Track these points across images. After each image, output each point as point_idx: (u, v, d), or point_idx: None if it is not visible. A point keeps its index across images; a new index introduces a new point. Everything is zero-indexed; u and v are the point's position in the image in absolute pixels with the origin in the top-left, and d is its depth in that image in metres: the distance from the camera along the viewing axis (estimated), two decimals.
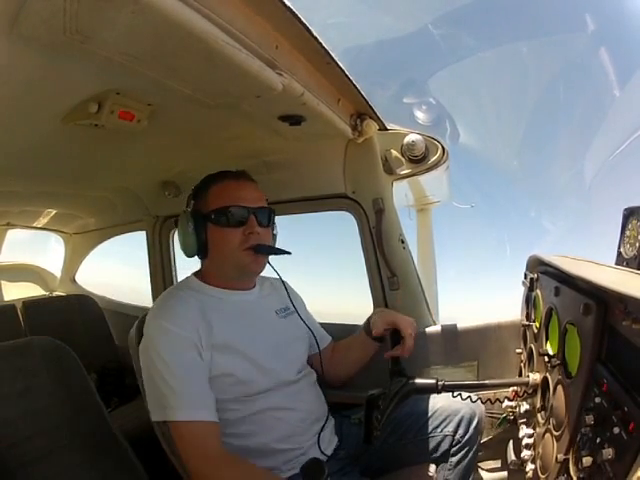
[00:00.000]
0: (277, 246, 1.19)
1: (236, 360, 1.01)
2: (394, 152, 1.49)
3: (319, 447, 1.06)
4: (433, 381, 1.00)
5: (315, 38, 0.84)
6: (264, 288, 1.23)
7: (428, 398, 1.20)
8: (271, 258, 1.16)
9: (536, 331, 1.14)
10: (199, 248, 1.09)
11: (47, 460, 0.99)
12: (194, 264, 1.19)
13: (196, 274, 1.17)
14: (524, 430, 1.09)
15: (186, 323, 0.98)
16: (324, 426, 1.11)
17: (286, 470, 1.01)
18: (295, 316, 1.21)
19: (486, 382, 1.08)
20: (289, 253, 1.13)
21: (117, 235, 2.81)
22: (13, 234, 3.17)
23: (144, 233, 2.25)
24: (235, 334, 1.04)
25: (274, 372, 1.06)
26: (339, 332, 1.40)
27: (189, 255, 1.12)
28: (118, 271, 4.17)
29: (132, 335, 1.10)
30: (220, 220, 1.06)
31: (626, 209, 1.02)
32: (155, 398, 0.96)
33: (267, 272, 1.19)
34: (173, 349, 0.95)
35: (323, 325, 1.38)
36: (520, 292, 1.39)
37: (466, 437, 1.14)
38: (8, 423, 0.98)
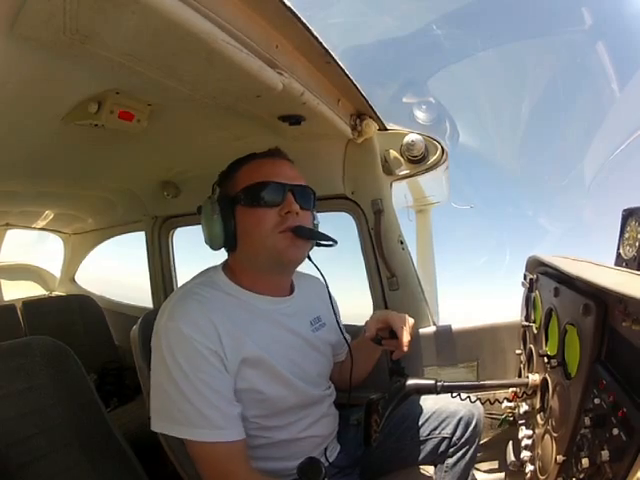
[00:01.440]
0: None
1: (266, 377, 0.92)
2: (393, 152, 1.49)
3: (325, 456, 1.05)
4: (432, 382, 0.99)
5: (315, 38, 0.85)
6: (302, 291, 1.08)
7: (427, 399, 1.19)
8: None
9: (535, 332, 1.14)
10: (227, 237, 0.93)
11: (47, 460, 0.99)
12: (194, 266, 1.15)
13: (224, 267, 1.00)
14: (523, 431, 1.09)
15: (209, 332, 0.85)
16: (332, 439, 1.10)
17: None
18: (326, 328, 1.10)
19: (485, 383, 1.07)
20: (335, 242, 0.96)
21: (116, 235, 2.82)
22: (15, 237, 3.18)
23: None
24: (265, 349, 0.92)
25: (302, 391, 0.99)
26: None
27: (215, 247, 0.97)
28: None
29: (135, 334, 1.09)
30: (251, 199, 0.91)
31: (625, 210, 1.02)
32: (166, 409, 0.86)
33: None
34: (194, 361, 0.83)
35: None
36: (519, 292, 1.39)
37: (464, 438, 1.14)
38: (8, 423, 0.98)
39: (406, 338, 1.01)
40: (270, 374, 0.93)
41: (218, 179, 1.02)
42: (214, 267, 1.02)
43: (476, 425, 1.15)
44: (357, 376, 1.18)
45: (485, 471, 1.47)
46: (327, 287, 1.08)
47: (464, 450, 1.14)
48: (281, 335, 0.98)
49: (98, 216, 2.62)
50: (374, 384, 1.28)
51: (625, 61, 2.02)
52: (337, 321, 1.10)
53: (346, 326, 1.23)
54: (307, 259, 1.00)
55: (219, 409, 0.84)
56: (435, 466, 1.17)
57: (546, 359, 0.95)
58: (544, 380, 0.99)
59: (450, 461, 1.14)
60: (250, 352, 0.89)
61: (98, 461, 1.05)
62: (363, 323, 1.17)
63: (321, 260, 1.02)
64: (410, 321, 1.05)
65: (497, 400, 1.14)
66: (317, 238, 0.96)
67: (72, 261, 3.19)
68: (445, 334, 1.50)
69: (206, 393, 0.83)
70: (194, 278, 1.00)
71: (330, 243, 0.96)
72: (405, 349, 1.01)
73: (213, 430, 0.83)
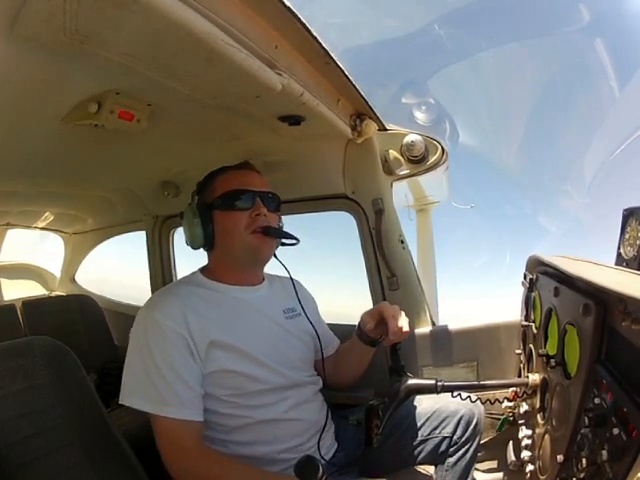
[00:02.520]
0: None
1: (238, 359, 0.99)
2: (393, 152, 1.49)
3: (319, 453, 1.05)
4: (432, 381, 0.99)
5: (315, 38, 0.85)
6: (274, 286, 1.19)
7: (427, 398, 1.19)
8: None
9: (535, 332, 1.14)
10: (205, 238, 1.07)
11: (47, 460, 0.99)
12: (193, 266, 1.17)
13: (202, 270, 1.14)
14: (523, 431, 1.09)
15: (179, 319, 0.95)
16: (326, 432, 1.09)
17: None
18: (302, 318, 1.16)
19: (485, 383, 1.07)
20: (297, 240, 1.10)
21: (117, 235, 2.82)
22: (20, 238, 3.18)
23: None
24: (236, 332, 1.01)
25: (280, 373, 1.03)
26: (340, 333, 1.37)
27: (195, 247, 1.11)
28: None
29: None
30: (226, 204, 1.06)
31: (625, 210, 1.02)
32: (130, 383, 0.96)
33: (276, 270, 1.17)
34: (161, 343, 0.94)
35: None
36: (518, 292, 1.39)
37: (465, 438, 1.13)
38: (8, 423, 0.98)
39: (394, 325, 1.02)
40: (242, 356, 0.99)
41: (196, 188, 1.15)
42: (194, 272, 1.15)
43: (476, 424, 1.15)
44: (350, 376, 1.23)
45: (485, 471, 1.47)
46: (293, 282, 1.17)
47: (464, 449, 1.14)
48: (257, 320, 1.08)
49: (98, 216, 2.62)
50: (374, 383, 1.29)
51: (625, 60, 2.02)
52: (305, 314, 1.15)
53: (339, 326, 1.23)
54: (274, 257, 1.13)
55: (172, 388, 0.92)
56: (435, 466, 1.17)
57: (546, 359, 0.95)
58: (544, 380, 0.99)
59: (450, 460, 1.14)
60: (217, 334, 0.98)
61: (98, 461, 1.04)
62: (356, 322, 1.18)
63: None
64: (402, 312, 1.06)
65: (497, 400, 1.14)
66: (283, 236, 1.10)
67: (72, 261, 3.19)
68: (445, 334, 1.50)
69: (165, 372, 0.92)
70: (177, 280, 1.16)
71: (294, 242, 1.11)
72: (392, 337, 1.02)
73: (162, 406, 0.92)
